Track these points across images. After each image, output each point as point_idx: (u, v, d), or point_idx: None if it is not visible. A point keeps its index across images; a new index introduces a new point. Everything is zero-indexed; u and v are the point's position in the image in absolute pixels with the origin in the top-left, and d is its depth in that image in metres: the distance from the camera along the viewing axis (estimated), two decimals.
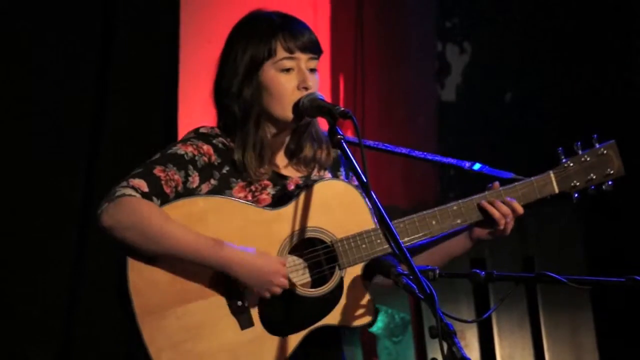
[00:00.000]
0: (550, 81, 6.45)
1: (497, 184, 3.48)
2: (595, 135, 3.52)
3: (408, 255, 2.90)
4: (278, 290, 3.20)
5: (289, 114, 3.29)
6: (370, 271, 3.41)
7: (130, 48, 5.27)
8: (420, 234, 3.38)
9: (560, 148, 3.50)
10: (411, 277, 2.93)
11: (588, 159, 3.50)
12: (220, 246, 3.17)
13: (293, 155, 3.41)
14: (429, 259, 3.49)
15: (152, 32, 5.34)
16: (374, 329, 5.64)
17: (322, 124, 3.33)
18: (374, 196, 3.00)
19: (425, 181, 6.39)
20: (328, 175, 3.46)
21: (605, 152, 3.51)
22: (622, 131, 6.03)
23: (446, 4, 6.60)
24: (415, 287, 2.91)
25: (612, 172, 3.51)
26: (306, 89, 3.28)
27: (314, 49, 3.31)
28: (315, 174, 3.43)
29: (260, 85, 3.29)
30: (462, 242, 3.50)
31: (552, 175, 3.48)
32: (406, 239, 3.37)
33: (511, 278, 3.33)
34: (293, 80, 3.29)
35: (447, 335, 2.74)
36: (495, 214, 3.41)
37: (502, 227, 3.43)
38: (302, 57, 3.29)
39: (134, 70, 5.28)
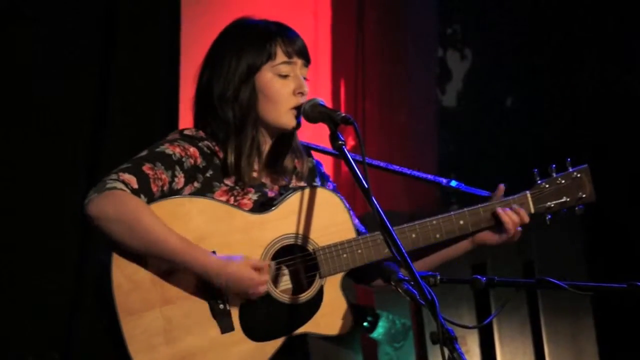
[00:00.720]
0: (550, 86, 6.46)
1: (501, 186, 3.51)
2: (568, 159, 3.54)
3: (409, 261, 2.90)
4: (255, 298, 3.20)
5: (284, 119, 3.30)
6: (370, 274, 3.42)
7: (131, 50, 5.28)
8: (421, 241, 3.40)
9: (535, 169, 3.53)
10: (412, 282, 2.93)
11: (563, 181, 3.52)
12: (201, 252, 3.17)
13: (273, 165, 3.41)
14: (421, 260, 3.51)
15: (153, 34, 5.35)
16: (375, 334, 5.64)
17: (323, 130, 3.33)
18: (375, 202, 3.00)
19: (425, 186, 6.39)
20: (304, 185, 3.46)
21: (578, 175, 3.54)
22: (622, 135, 6.05)
23: (447, 10, 6.61)
24: (416, 292, 2.91)
25: (584, 196, 3.54)
26: (302, 94, 3.29)
27: (307, 55, 3.35)
28: (293, 183, 3.43)
29: (257, 89, 3.30)
30: (463, 246, 3.51)
31: (528, 195, 3.50)
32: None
33: (512, 284, 3.34)
34: (289, 85, 3.30)
35: (448, 341, 2.74)
36: (509, 223, 3.43)
37: (512, 235, 3.45)
38: (298, 63, 3.32)
39: (135, 72, 5.29)
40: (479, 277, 3.24)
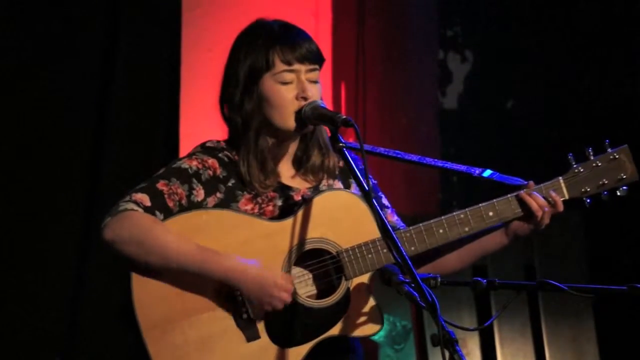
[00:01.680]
0: (551, 89, 6.46)
1: (532, 182, 3.47)
2: (607, 140, 3.49)
3: (410, 263, 2.90)
4: (279, 305, 3.19)
5: (289, 123, 3.28)
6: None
7: (131, 56, 5.27)
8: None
9: (570, 154, 3.46)
10: (413, 284, 2.93)
11: (599, 164, 3.46)
12: (222, 257, 3.17)
13: (301, 165, 3.40)
14: (458, 257, 3.49)
15: (154, 40, 5.35)
16: (376, 337, 5.64)
17: None
18: (376, 204, 3.00)
19: (427, 188, 6.39)
20: (338, 184, 3.44)
21: (617, 156, 3.47)
22: (624, 137, 6.04)
23: (447, 12, 6.60)
24: (417, 295, 2.91)
25: (625, 176, 3.46)
26: (305, 99, 3.27)
27: (313, 58, 3.30)
28: (324, 184, 3.42)
29: (260, 96, 3.29)
30: (498, 238, 3.48)
31: (561, 181, 3.45)
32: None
33: (513, 286, 3.33)
34: (292, 90, 3.28)
35: (449, 343, 2.74)
36: (533, 205, 3.39)
37: (539, 218, 3.40)
38: (302, 68, 3.28)
39: (135, 79, 5.29)
40: (479, 279, 3.24)
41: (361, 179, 3.06)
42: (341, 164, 3.44)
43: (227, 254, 3.17)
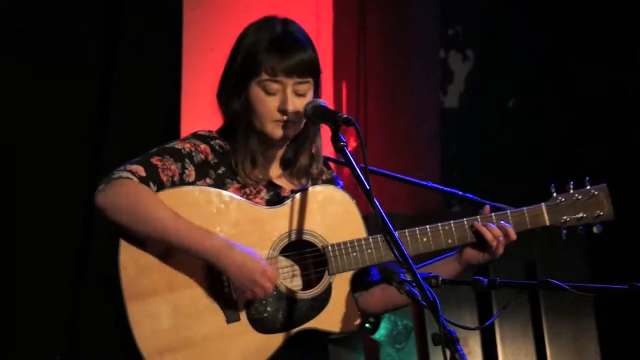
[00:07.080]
0: (552, 88, 6.46)
1: (487, 207, 3.48)
2: (587, 178, 3.55)
3: (411, 262, 2.91)
4: (260, 294, 3.20)
5: (268, 130, 3.29)
6: (365, 283, 3.41)
7: (132, 55, 5.27)
8: (409, 249, 3.38)
9: (552, 184, 3.54)
10: (414, 284, 2.94)
11: (579, 197, 3.53)
12: (211, 237, 3.19)
13: (288, 166, 3.43)
14: None
15: (155, 38, 5.35)
16: (377, 336, 5.64)
17: (325, 132, 3.32)
18: (377, 203, 3.01)
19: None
20: None
21: (596, 193, 3.54)
22: (623, 133, 6.05)
23: (448, 11, 6.61)
24: (418, 294, 2.92)
25: (601, 214, 3.54)
26: (285, 112, 3.27)
27: (302, 71, 3.28)
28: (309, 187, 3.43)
29: (246, 99, 3.31)
30: (451, 266, 3.48)
31: (544, 207, 3.51)
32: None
33: (514, 285, 3.33)
34: (275, 101, 3.29)
35: (450, 342, 2.75)
36: (487, 235, 3.41)
37: (493, 248, 3.41)
38: (287, 81, 3.27)
39: (136, 79, 5.28)
40: (480, 278, 3.24)
41: (362, 177, 3.06)
42: (325, 177, 3.48)
43: (216, 234, 3.19)
